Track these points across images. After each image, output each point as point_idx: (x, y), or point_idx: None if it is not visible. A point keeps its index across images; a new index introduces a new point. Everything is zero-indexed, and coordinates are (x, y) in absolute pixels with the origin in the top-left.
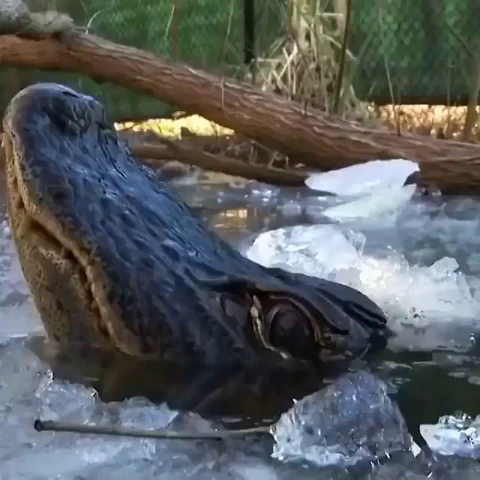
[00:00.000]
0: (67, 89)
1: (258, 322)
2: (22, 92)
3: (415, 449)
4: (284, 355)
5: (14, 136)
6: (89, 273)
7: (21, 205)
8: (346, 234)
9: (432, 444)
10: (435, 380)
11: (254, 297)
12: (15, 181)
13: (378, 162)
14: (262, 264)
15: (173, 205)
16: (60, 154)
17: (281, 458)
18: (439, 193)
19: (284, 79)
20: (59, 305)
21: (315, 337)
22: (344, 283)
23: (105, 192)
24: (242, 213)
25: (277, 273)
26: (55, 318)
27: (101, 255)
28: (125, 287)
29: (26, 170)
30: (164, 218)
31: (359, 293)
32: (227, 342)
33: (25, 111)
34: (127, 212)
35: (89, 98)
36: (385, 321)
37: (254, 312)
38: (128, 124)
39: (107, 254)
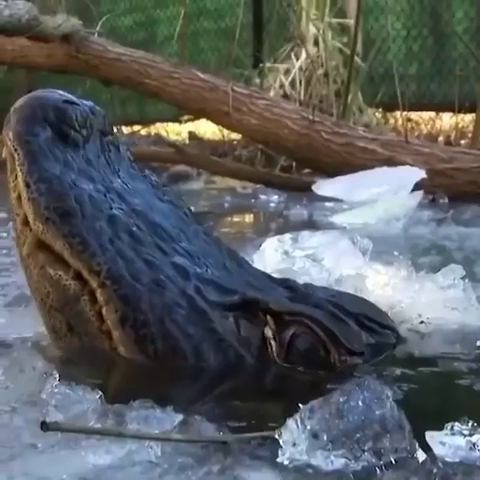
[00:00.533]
0: (67, 96)
1: (273, 343)
2: (21, 101)
3: (420, 455)
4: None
5: (16, 150)
6: (100, 296)
7: (26, 222)
8: (353, 240)
9: (437, 450)
10: (441, 386)
11: (268, 317)
12: (19, 197)
13: (385, 168)
14: (270, 272)
15: (178, 214)
16: (64, 168)
17: (286, 462)
18: (446, 200)
19: (292, 84)
20: (69, 327)
21: (331, 359)
22: (350, 289)
23: (111, 208)
24: (249, 218)
25: (286, 284)
26: (65, 340)
27: (111, 278)
28: (137, 311)
29: (30, 187)
30: (171, 231)
31: (369, 303)
32: (242, 365)
33: (26, 123)
34: (135, 228)
35: (89, 104)
36: (396, 332)
37: (268, 333)
38: (136, 127)
39: (117, 276)
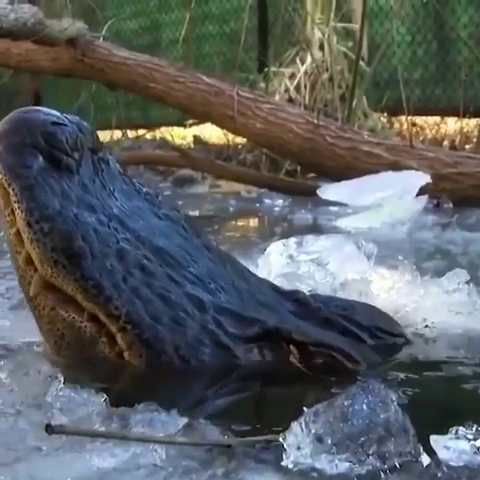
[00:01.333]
0: (53, 116)
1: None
2: (6, 125)
3: (425, 459)
4: None
5: (10, 185)
6: (120, 340)
7: (30, 261)
8: (357, 244)
9: (442, 454)
10: (445, 390)
11: (291, 347)
12: (18, 233)
13: (390, 173)
14: (275, 276)
15: (178, 230)
16: (64, 201)
17: (290, 466)
18: (451, 205)
19: (297, 89)
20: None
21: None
22: (355, 293)
23: (118, 241)
24: (253, 222)
25: (294, 296)
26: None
27: (131, 322)
28: (162, 354)
29: (33, 227)
30: (177, 255)
31: (378, 310)
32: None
33: (16, 152)
34: (144, 261)
35: (76, 121)
36: (406, 338)
37: (294, 361)
38: (141, 131)
39: (137, 320)
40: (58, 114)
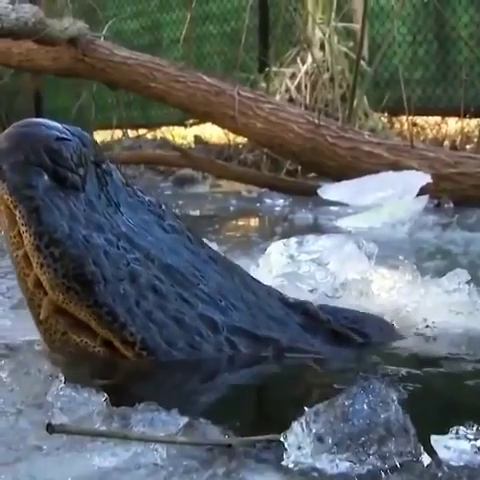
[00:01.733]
0: (57, 131)
1: None
2: (8, 142)
3: (425, 459)
4: None
5: (16, 207)
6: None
7: (39, 285)
8: (358, 244)
9: (442, 454)
10: (446, 390)
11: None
12: (26, 255)
13: (390, 173)
14: (276, 276)
15: (184, 242)
16: (72, 223)
17: (291, 466)
18: (451, 205)
19: (298, 89)
20: None
21: None
22: (355, 293)
23: (128, 262)
24: (254, 221)
25: (302, 307)
26: None
27: (147, 348)
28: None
29: (43, 252)
30: (186, 272)
31: (383, 321)
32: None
33: (21, 172)
34: (156, 282)
35: (79, 133)
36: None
37: None
38: (141, 131)
39: (153, 346)
40: (60, 127)
